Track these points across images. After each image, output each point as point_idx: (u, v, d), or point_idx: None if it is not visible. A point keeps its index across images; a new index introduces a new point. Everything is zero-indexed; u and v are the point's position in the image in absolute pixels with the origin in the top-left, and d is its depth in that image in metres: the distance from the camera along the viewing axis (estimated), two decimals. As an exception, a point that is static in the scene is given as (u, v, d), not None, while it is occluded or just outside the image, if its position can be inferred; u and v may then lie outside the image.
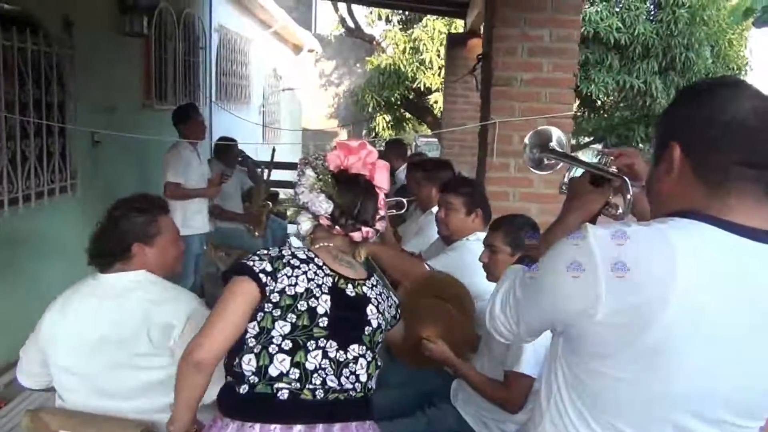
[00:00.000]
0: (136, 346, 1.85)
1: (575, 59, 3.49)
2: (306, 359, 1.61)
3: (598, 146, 13.06)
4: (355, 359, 1.68)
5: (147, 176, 5.60)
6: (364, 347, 1.70)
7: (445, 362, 2.37)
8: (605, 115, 12.40)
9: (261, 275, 1.61)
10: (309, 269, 1.66)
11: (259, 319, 1.63)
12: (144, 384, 1.88)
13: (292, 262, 1.65)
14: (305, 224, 1.78)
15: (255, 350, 1.62)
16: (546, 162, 1.70)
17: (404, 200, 3.62)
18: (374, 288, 1.78)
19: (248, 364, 1.61)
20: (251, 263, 1.63)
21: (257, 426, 1.58)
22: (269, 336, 1.61)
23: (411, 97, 13.73)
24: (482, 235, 2.69)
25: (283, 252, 1.69)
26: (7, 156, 3.69)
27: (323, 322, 1.63)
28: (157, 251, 1.98)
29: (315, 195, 1.73)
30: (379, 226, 1.80)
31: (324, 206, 1.72)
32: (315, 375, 1.61)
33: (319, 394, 1.61)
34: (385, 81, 13.43)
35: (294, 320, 1.61)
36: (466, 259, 2.79)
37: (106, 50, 4.85)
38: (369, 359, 1.71)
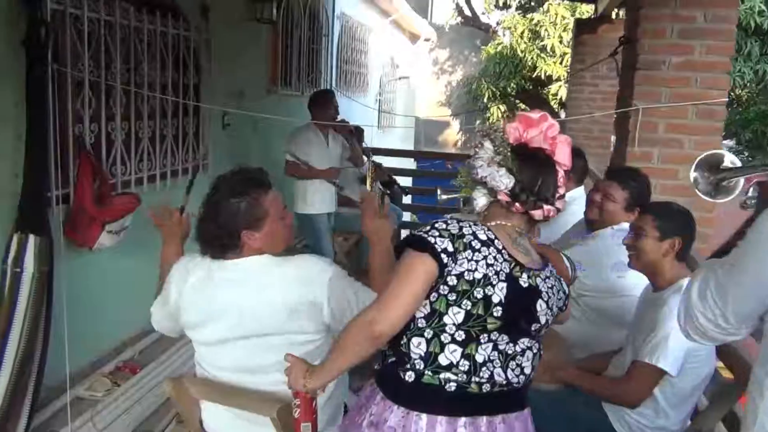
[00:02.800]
0: (281, 326, 1.84)
1: (732, 41, 3.20)
2: (476, 351, 1.57)
3: (730, 142, 12.19)
4: (522, 352, 1.63)
5: (272, 158, 5.74)
6: (532, 340, 1.65)
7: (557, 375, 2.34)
8: (739, 109, 11.55)
9: (443, 255, 1.54)
10: (489, 253, 1.57)
11: (432, 299, 1.57)
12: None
13: (473, 244, 1.56)
14: (480, 200, 1.66)
15: (425, 334, 1.58)
16: (725, 184, 1.60)
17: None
18: (547, 280, 1.68)
19: (417, 347, 1.59)
20: (433, 240, 1.56)
21: (424, 416, 1.58)
22: (441, 322, 1.57)
23: (527, 87, 13.37)
24: (626, 225, 2.54)
25: (464, 230, 1.58)
26: (147, 134, 3.87)
27: (497, 311, 1.56)
28: (267, 233, 1.88)
29: (495, 169, 1.60)
30: (559, 204, 1.67)
31: (504, 181, 1.60)
32: (483, 368, 1.58)
33: (486, 388, 1.59)
34: (502, 70, 13.15)
35: (469, 308, 1.55)
36: (605, 249, 2.67)
37: (238, 36, 5.00)
38: (535, 351, 1.66)
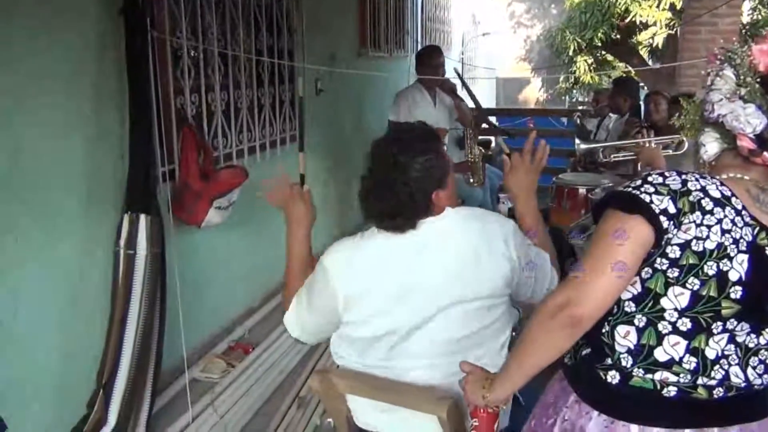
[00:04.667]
0: (480, 289, 1.60)
1: None
2: (707, 344, 1.24)
3: None
4: None
5: (366, 124, 5.53)
6: None
7: None
8: None
9: (662, 218, 1.19)
10: (725, 215, 1.20)
11: (644, 276, 1.24)
12: (474, 335, 1.62)
13: (703, 203, 1.20)
14: (711, 146, 1.31)
15: (636, 322, 1.26)
16: None
17: (684, 138, 3.06)
18: None
19: (624, 337, 1.27)
20: (647, 197, 1.20)
21: (635, 428, 1.26)
22: (658, 307, 1.24)
23: (615, 36, 12.55)
24: None
25: (689, 185, 1.22)
26: (246, 104, 3.69)
27: (736, 292, 1.21)
28: (450, 189, 1.64)
29: (740, 105, 1.24)
30: None
31: (753, 121, 1.23)
32: (716, 367, 1.24)
33: (718, 392, 1.25)
34: (588, 19, 12.38)
35: (697, 288, 1.21)
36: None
37: (327, -1, 4.76)
38: None
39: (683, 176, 1.24)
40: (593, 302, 1.20)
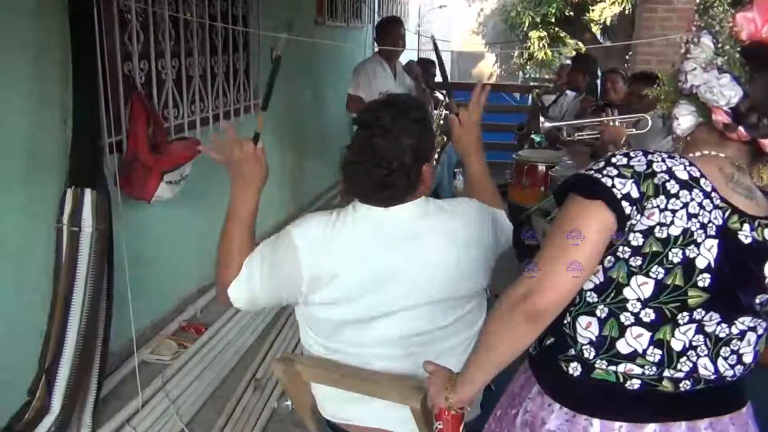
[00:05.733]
0: (457, 287, 1.52)
1: None
2: (673, 336, 1.15)
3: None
4: (742, 334, 1.18)
5: (321, 94, 5.37)
6: (757, 318, 1.19)
7: None
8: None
9: (624, 203, 1.10)
10: (692, 198, 1.10)
11: (607, 265, 1.15)
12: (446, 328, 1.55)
13: (668, 186, 1.10)
14: (685, 120, 1.20)
15: (598, 313, 1.17)
16: None
17: (647, 117, 3.03)
18: None
19: (586, 328, 1.18)
20: (608, 181, 1.11)
21: (596, 422, 1.18)
22: (621, 297, 1.15)
23: (569, 13, 12.60)
24: None
25: (654, 166, 1.12)
26: (198, 73, 3.50)
27: (704, 280, 1.11)
28: (431, 169, 1.52)
29: (714, 75, 1.13)
30: None
31: (727, 93, 1.12)
32: (683, 359, 1.16)
33: (685, 385, 1.18)
34: (542, -6, 12.37)
35: (660, 276, 1.11)
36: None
37: (283, -38, 4.55)
38: (761, 332, 1.21)
39: (649, 156, 1.14)
40: (553, 293, 1.11)
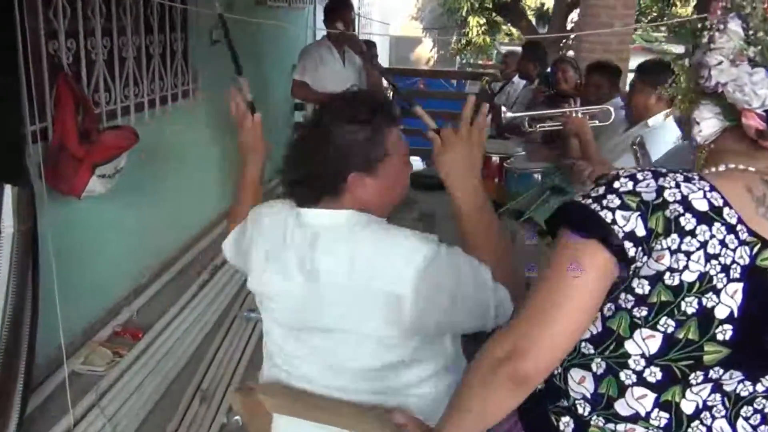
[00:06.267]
0: (360, 316, 1.28)
1: None
2: (683, 397, 0.97)
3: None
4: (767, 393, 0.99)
5: (263, 78, 5.09)
6: None
7: None
8: None
9: (627, 244, 0.91)
10: (712, 235, 0.91)
11: (606, 313, 0.98)
12: (379, 365, 1.32)
13: (681, 221, 0.91)
14: (707, 124, 1.01)
15: (594, 367, 1.00)
16: None
17: (611, 108, 2.93)
18: None
19: (579, 383, 1.02)
20: (609, 215, 0.92)
21: None
22: (622, 351, 0.97)
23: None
24: None
25: (666, 193, 0.92)
26: (133, 54, 3.19)
27: (724, 333, 0.93)
28: (381, 183, 1.32)
29: (746, 71, 0.94)
30: None
31: (762, 92, 0.93)
32: (694, 423, 0.98)
33: None
34: (481, -20, 12.34)
35: (671, 330, 0.93)
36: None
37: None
38: None
39: (660, 181, 0.94)
40: (542, 359, 0.94)
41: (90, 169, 2.57)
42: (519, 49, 6.06)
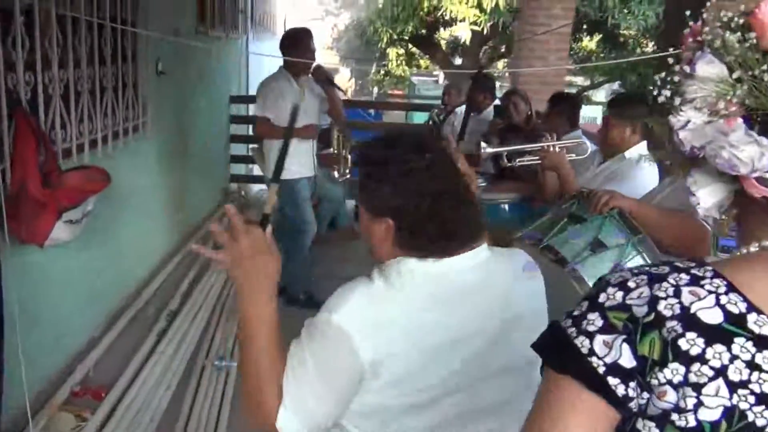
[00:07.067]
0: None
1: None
2: None
3: (615, 86, 12.55)
4: None
5: (199, 109, 4.87)
6: None
7: None
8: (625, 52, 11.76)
9: (612, 380, 0.68)
10: (734, 356, 0.65)
11: None
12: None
13: (680, 344, 0.66)
14: (705, 195, 0.78)
15: None
16: None
17: (586, 142, 2.95)
18: None
19: None
20: (585, 343, 0.70)
21: None
22: None
23: (423, 31, 12.88)
24: None
25: (659, 304, 0.68)
26: (87, 87, 2.95)
27: None
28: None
29: (719, 128, 0.73)
30: None
31: (747, 154, 0.70)
32: None
33: None
34: (399, 12, 12.51)
35: None
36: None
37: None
38: None
39: (655, 287, 0.70)
40: None
41: (56, 213, 2.32)
42: (460, 81, 6.14)
